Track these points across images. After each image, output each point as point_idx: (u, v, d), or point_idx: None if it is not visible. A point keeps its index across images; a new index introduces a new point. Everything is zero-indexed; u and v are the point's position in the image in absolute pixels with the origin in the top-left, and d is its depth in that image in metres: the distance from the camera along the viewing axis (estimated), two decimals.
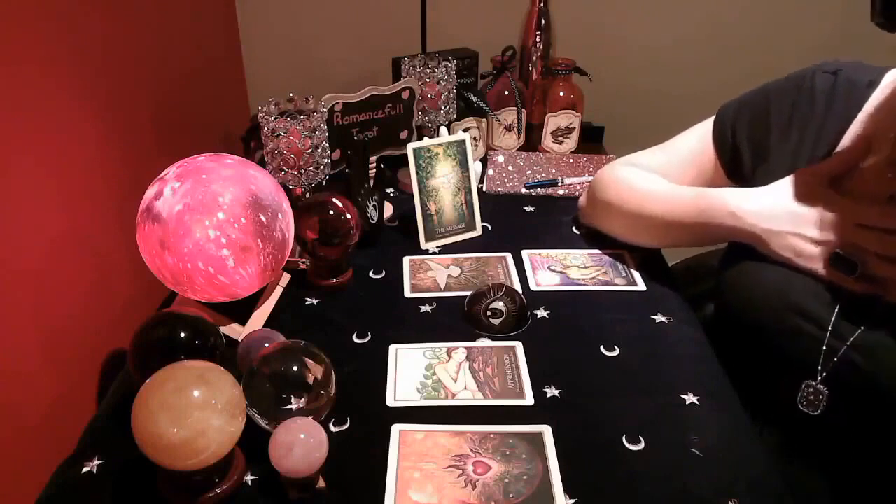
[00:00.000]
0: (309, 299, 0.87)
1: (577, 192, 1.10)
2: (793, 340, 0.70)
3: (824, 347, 0.68)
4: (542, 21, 1.38)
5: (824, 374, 0.69)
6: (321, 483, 0.60)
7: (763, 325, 0.73)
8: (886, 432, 0.67)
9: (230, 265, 0.70)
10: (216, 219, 0.68)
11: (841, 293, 0.68)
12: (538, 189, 1.15)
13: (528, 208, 1.11)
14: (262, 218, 0.72)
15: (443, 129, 1.08)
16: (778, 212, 0.72)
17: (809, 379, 0.70)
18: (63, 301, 0.78)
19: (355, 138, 1.05)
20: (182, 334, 0.64)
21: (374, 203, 0.97)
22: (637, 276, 0.91)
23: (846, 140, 0.73)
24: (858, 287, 0.67)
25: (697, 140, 0.88)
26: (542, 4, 1.37)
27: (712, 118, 0.87)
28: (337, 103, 1.00)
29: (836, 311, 0.68)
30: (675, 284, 0.91)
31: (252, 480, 0.62)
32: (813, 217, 0.70)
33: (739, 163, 0.82)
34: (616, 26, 1.52)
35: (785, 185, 0.73)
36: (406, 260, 0.96)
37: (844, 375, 0.67)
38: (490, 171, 1.20)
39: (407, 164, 0.96)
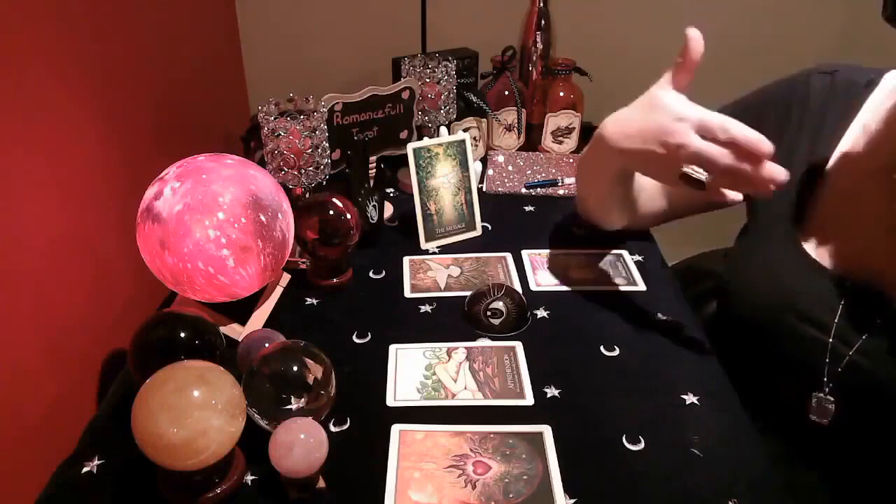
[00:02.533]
0: (309, 299, 0.87)
1: None
2: (797, 345, 0.70)
3: (829, 352, 0.68)
4: (542, 21, 1.38)
5: (830, 383, 0.69)
6: (321, 483, 0.60)
7: (766, 329, 0.73)
8: (891, 435, 0.67)
9: (230, 265, 0.70)
10: (216, 219, 0.68)
11: (844, 298, 0.68)
12: (538, 189, 1.15)
13: (528, 208, 1.11)
14: (262, 218, 0.72)
15: (443, 129, 1.08)
16: (634, 128, 0.71)
17: (815, 383, 0.69)
18: (63, 301, 0.78)
19: (355, 138, 1.05)
20: (182, 334, 0.64)
21: (374, 203, 0.97)
22: (637, 276, 0.91)
23: (846, 139, 0.73)
24: (707, 196, 0.66)
25: None
26: (542, 4, 1.37)
27: None
28: (337, 103, 1.00)
29: (840, 315, 0.68)
30: (675, 284, 0.91)
31: (252, 480, 0.62)
32: (660, 130, 0.67)
33: None
34: (616, 26, 1.52)
35: (641, 101, 0.72)
36: (406, 260, 0.96)
37: (851, 380, 0.67)
38: (490, 171, 1.20)
39: (407, 164, 0.96)
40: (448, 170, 0.98)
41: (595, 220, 0.94)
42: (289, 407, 0.60)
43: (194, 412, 0.54)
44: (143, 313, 0.76)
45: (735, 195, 0.67)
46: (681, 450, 0.65)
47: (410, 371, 0.75)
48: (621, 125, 0.73)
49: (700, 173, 0.65)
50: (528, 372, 0.74)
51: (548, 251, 0.97)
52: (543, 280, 0.91)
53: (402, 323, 0.83)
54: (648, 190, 0.91)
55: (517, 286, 0.88)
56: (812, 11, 1.47)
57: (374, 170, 1.08)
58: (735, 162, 0.62)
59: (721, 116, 0.64)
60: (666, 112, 0.67)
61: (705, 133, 0.64)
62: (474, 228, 1.02)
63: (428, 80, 1.05)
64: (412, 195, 0.97)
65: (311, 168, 0.89)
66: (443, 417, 0.68)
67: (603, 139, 0.75)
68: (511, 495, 0.60)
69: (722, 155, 0.62)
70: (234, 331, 0.78)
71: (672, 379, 0.74)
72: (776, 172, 0.62)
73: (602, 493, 0.61)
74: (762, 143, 0.61)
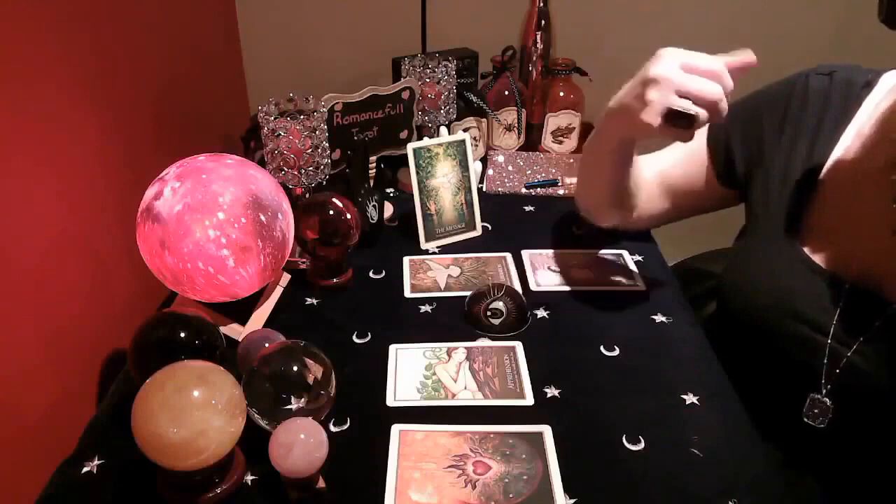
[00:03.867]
0: (309, 299, 0.87)
1: None
2: (794, 346, 0.70)
3: (826, 353, 0.68)
4: (542, 21, 1.38)
5: (828, 385, 0.68)
6: (321, 483, 0.60)
7: (764, 330, 0.73)
8: (889, 437, 0.67)
9: (230, 265, 0.70)
10: (216, 219, 0.68)
11: (842, 299, 0.68)
12: (538, 189, 1.15)
13: (528, 208, 1.11)
14: (262, 218, 0.72)
15: (443, 129, 1.08)
16: (625, 86, 0.71)
17: (812, 384, 0.69)
18: (63, 301, 0.78)
19: (355, 138, 1.05)
20: (182, 334, 0.64)
21: (374, 203, 0.97)
22: (637, 276, 0.91)
23: (845, 140, 0.73)
24: (690, 137, 0.65)
25: (690, 145, 0.88)
26: (542, 4, 1.37)
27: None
28: (337, 103, 1.00)
29: (838, 317, 0.68)
30: (675, 284, 0.91)
31: (252, 480, 0.62)
32: (643, 73, 0.67)
33: (732, 166, 0.82)
34: (616, 26, 1.52)
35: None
36: (406, 260, 0.96)
37: (848, 381, 0.67)
38: (490, 171, 1.20)
39: (407, 164, 0.96)
40: (448, 170, 0.98)
41: (590, 210, 0.94)
42: (289, 407, 0.60)
43: (194, 412, 0.54)
44: (143, 313, 0.77)
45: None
46: (681, 450, 0.65)
47: (410, 371, 0.75)
48: (619, 92, 0.73)
49: (688, 109, 0.63)
50: (527, 372, 0.74)
51: (548, 251, 0.97)
52: (543, 280, 0.91)
53: (402, 323, 0.83)
54: (648, 190, 0.91)
55: (517, 286, 0.88)
56: (808, 13, 1.48)
57: (374, 170, 1.08)
58: (721, 93, 0.62)
59: (705, 57, 0.64)
60: (652, 58, 0.66)
61: (690, 72, 0.63)
62: (474, 228, 1.02)
63: (428, 80, 1.05)
64: (412, 195, 0.97)
65: (311, 168, 0.89)
66: (443, 417, 0.68)
67: (605, 111, 0.76)
68: (511, 495, 0.60)
69: (713, 87, 0.62)
70: (234, 331, 0.78)
71: (672, 379, 0.74)
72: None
73: (602, 493, 0.61)
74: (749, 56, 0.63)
